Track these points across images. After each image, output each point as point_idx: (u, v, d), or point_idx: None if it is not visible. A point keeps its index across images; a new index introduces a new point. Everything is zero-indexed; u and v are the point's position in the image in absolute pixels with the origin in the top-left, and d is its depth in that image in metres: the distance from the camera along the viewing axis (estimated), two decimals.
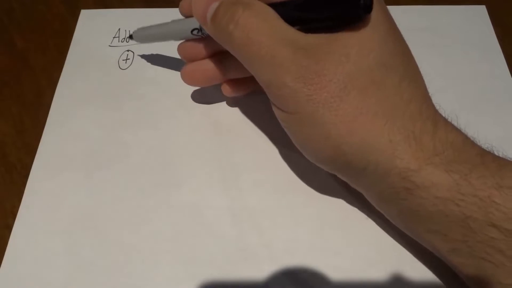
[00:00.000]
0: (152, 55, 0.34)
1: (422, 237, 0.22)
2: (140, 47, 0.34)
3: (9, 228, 0.27)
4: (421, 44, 0.33)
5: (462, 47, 0.33)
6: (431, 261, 0.25)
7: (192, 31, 0.26)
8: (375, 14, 0.21)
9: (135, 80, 0.33)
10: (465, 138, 0.22)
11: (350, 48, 0.21)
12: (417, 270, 0.24)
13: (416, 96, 0.22)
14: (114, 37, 0.35)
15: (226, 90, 0.29)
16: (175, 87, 0.32)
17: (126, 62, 0.34)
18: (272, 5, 0.22)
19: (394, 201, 0.22)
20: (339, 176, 0.24)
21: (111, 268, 0.25)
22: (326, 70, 0.21)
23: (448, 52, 0.33)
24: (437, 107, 0.22)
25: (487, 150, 0.22)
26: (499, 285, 0.20)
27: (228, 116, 0.31)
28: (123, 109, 0.31)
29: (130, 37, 0.30)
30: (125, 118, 0.31)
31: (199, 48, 0.27)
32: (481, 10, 0.35)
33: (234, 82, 0.29)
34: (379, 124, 0.21)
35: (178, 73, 0.32)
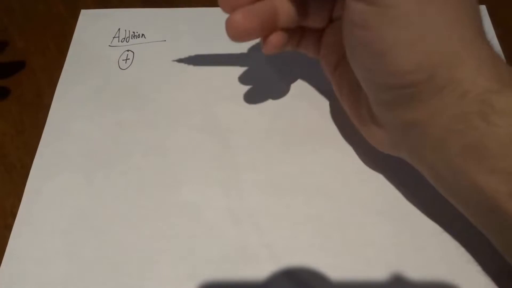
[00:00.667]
0: (153, 55, 0.34)
1: (477, 181, 0.20)
2: (140, 48, 0.34)
3: (9, 228, 0.27)
4: None
5: None
6: (433, 261, 0.25)
7: None
8: None
9: (135, 80, 0.33)
10: None
11: None
12: (418, 270, 0.24)
13: (481, 24, 0.21)
14: (114, 37, 0.35)
15: (271, 44, 0.25)
16: (175, 87, 0.32)
17: (126, 62, 0.34)
18: None
19: (462, 133, 0.20)
20: (400, 101, 0.22)
21: (111, 268, 0.25)
22: None
23: None
24: None
25: None
26: None
27: (228, 116, 0.31)
28: (123, 109, 0.31)
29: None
30: (125, 118, 0.31)
31: None
32: (481, 10, 0.35)
33: (282, 35, 0.25)
34: (471, 37, 0.20)
35: (178, 74, 0.33)
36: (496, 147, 0.19)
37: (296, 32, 0.27)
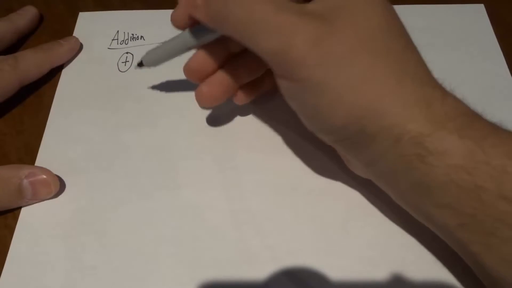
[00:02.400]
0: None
1: (430, 214, 0.22)
2: (139, 50, 0.34)
3: (9, 228, 0.27)
4: (419, 43, 0.33)
5: (460, 45, 0.33)
6: (433, 261, 0.25)
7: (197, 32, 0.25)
8: None
9: (135, 82, 0.33)
10: (474, 110, 0.21)
11: (358, 11, 0.21)
12: (419, 270, 0.24)
13: (421, 64, 0.22)
14: (113, 40, 0.35)
15: (240, 98, 0.28)
16: (174, 89, 0.32)
17: (125, 65, 0.34)
18: None
19: (404, 172, 0.21)
20: (344, 149, 0.24)
21: (113, 271, 0.25)
22: (335, 31, 0.20)
23: (446, 51, 0.33)
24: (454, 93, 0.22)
25: (497, 123, 0.21)
26: (505, 263, 0.20)
27: (228, 117, 0.31)
28: (123, 111, 0.31)
29: (139, 65, 0.29)
30: (125, 120, 0.31)
31: (207, 60, 0.26)
32: (479, 9, 0.35)
33: (246, 88, 0.28)
34: (391, 86, 0.20)
35: (178, 74, 0.32)
36: (438, 185, 0.20)
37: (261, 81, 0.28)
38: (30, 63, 0.31)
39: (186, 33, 0.25)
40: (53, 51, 0.32)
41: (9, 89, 0.30)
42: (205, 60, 0.26)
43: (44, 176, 0.27)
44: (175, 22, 0.26)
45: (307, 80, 0.21)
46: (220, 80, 0.26)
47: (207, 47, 0.26)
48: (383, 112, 0.20)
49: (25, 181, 0.26)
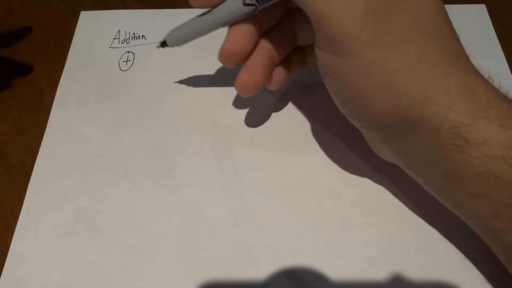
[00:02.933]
0: (153, 56, 0.34)
1: (463, 203, 0.21)
2: (140, 49, 0.34)
3: (9, 228, 0.27)
4: None
5: None
6: (434, 260, 0.25)
7: (244, 2, 0.23)
8: None
9: (136, 81, 0.33)
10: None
11: None
12: (419, 271, 0.24)
13: (463, 50, 0.21)
14: (114, 39, 0.35)
15: (275, 81, 0.26)
16: (175, 88, 0.32)
17: (126, 64, 0.34)
18: None
19: (440, 161, 0.21)
20: (377, 137, 0.23)
21: (113, 270, 0.25)
22: (395, 7, 0.19)
23: None
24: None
25: None
26: None
27: (228, 117, 0.31)
28: (124, 111, 0.31)
29: (163, 44, 0.27)
30: (126, 119, 0.31)
31: (243, 40, 0.24)
32: (481, 9, 0.35)
33: (278, 70, 0.26)
34: (438, 74, 0.20)
35: (178, 75, 0.33)
36: (474, 176, 0.20)
37: (287, 58, 0.27)
38: None
39: (218, 9, 0.23)
40: None
41: None
42: (242, 40, 0.24)
43: None
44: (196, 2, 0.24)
45: (358, 57, 0.20)
46: (259, 63, 0.25)
47: (240, 25, 0.24)
48: (429, 100, 0.20)
49: None
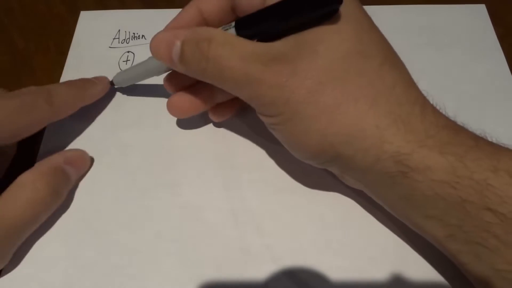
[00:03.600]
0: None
1: (420, 224, 0.22)
2: (140, 49, 0.34)
3: None
4: (420, 43, 0.33)
5: (462, 46, 0.33)
6: (434, 260, 0.25)
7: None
8: (346, 8, 0.21)
9: None
10: (456, 123, 0.22)
11: (319, 43, 0.21)
12: (419, 270, 0.25)
13: (400, 81, 0.22)
14: (114, 38, 0.35)
15: (215, 116, 0.29)
16: None
17: (126, 63, 0.34)
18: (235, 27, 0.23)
19: (390, 187, 0.22)
20: (332, 170, 0.25)
21: (112, 270, 0.25)
22: (298, 70, 0.21)
23: (447, 51, 0.33)
24: (436, 106, 0.22)
25: (480, 135, 0.22)
26: (494, 271, 0.20)
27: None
28: (124, 110, 0.31)
29: (111, 83, 0.30)
30: (125, 119, 0.31)
31: (184, 76, 0.26)
32: (481, 9, 0.35)
33: (221, 107, 0.29)
34: (362, 110, 0.21)
35: None
36: (423, 199, 0.21)
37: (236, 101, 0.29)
38: (64, 100, 0.28)
39: (156, 62, 0.27)
40: (86, 90, 0.29)
41: (41, 125, 0.27)
42: (180, 77, 0.27)
43: (76, 152, 0.28)
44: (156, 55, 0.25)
45: (279, 116, 0.22)
46: (192, 95, 0.27)
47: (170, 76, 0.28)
48: (356, 136, 0.21)
49: (66, 166, 0.27)
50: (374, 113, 0.21)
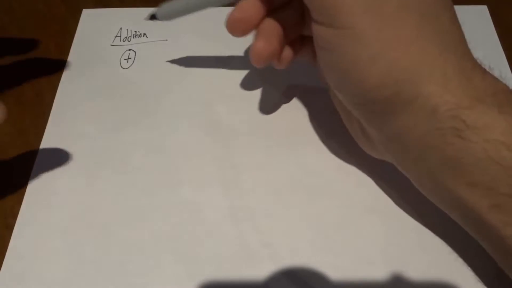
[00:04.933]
0: (154, 54, 0.34)
1: (458, 194, 0.20)
2: (142, 47, 0.34)
3: (9, 228, 0.27)
4: None
5: None
6: (434, 260, 0.25)
7: None
8: None
9: (137, 79, 0.33)
10: (510, 88, 0.20)
11: None
12: (418, 270, 0.24)
13: (464, 40, 0.21)
14: (116, 36, 0.35)
15: (284, 58, 0.26)
16: (176, 87, 0.32)
17: (128, 62, 0.34)
18: None
19: (437, 148, 0.20)
20: (370, 116, 0.23)
21: (112, 268, 0.25)
22: None
23: None
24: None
25: None
26: None
27: (229, 116, 0.31)
28: (125, 109, 0.31)
29: (152, 17, 0.27)
30: (126, 117, 0.31)
31: (253, 7, 0.24)
32: (483, 11, 0.35)
33: (287, 49, 0.26)
34: (435, 53, 0.20)
35: (179, 73, 0.33)
36: (473, 162, 0.19)
37: (297, 41, 0.27)
38: None
39: None
40: None
41: None
42: (251, 9, 0.24)
43: None
44: None
45: (350, 28, 0.20)
46: (273, 32, 0.24)
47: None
48: (424, 78, 0.19)
49: None
50: (444, 60, 0.20)
